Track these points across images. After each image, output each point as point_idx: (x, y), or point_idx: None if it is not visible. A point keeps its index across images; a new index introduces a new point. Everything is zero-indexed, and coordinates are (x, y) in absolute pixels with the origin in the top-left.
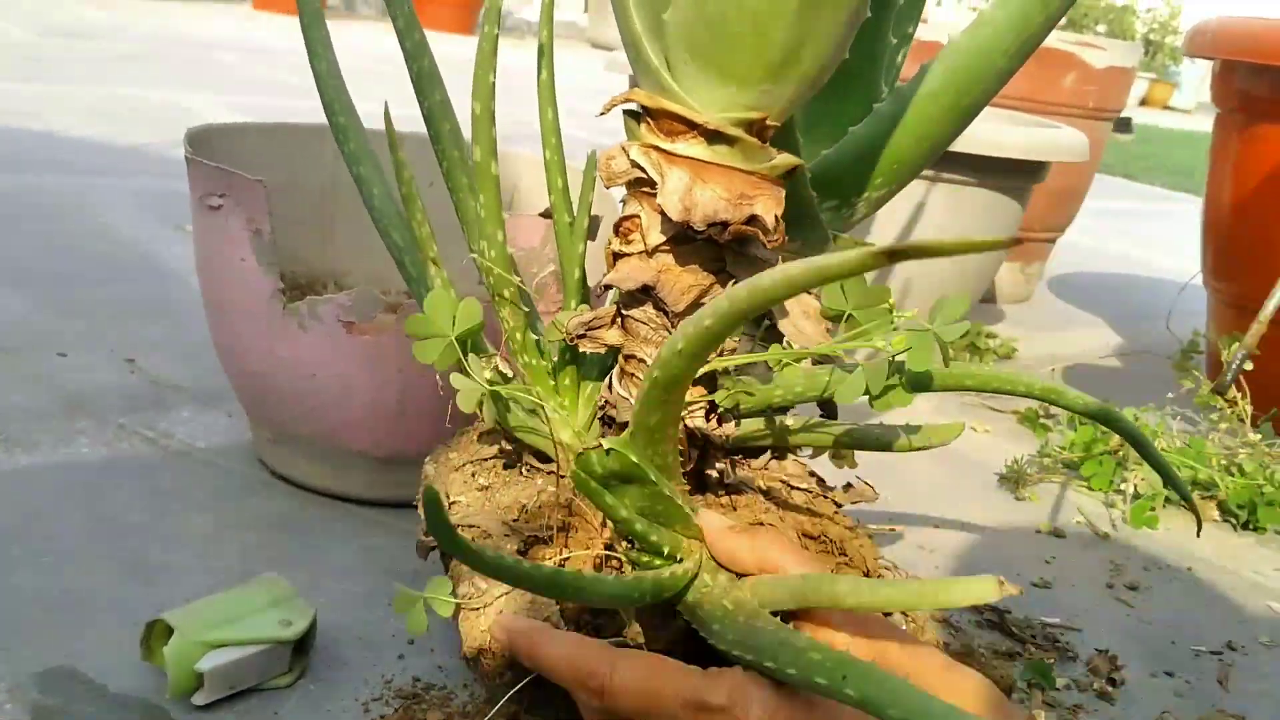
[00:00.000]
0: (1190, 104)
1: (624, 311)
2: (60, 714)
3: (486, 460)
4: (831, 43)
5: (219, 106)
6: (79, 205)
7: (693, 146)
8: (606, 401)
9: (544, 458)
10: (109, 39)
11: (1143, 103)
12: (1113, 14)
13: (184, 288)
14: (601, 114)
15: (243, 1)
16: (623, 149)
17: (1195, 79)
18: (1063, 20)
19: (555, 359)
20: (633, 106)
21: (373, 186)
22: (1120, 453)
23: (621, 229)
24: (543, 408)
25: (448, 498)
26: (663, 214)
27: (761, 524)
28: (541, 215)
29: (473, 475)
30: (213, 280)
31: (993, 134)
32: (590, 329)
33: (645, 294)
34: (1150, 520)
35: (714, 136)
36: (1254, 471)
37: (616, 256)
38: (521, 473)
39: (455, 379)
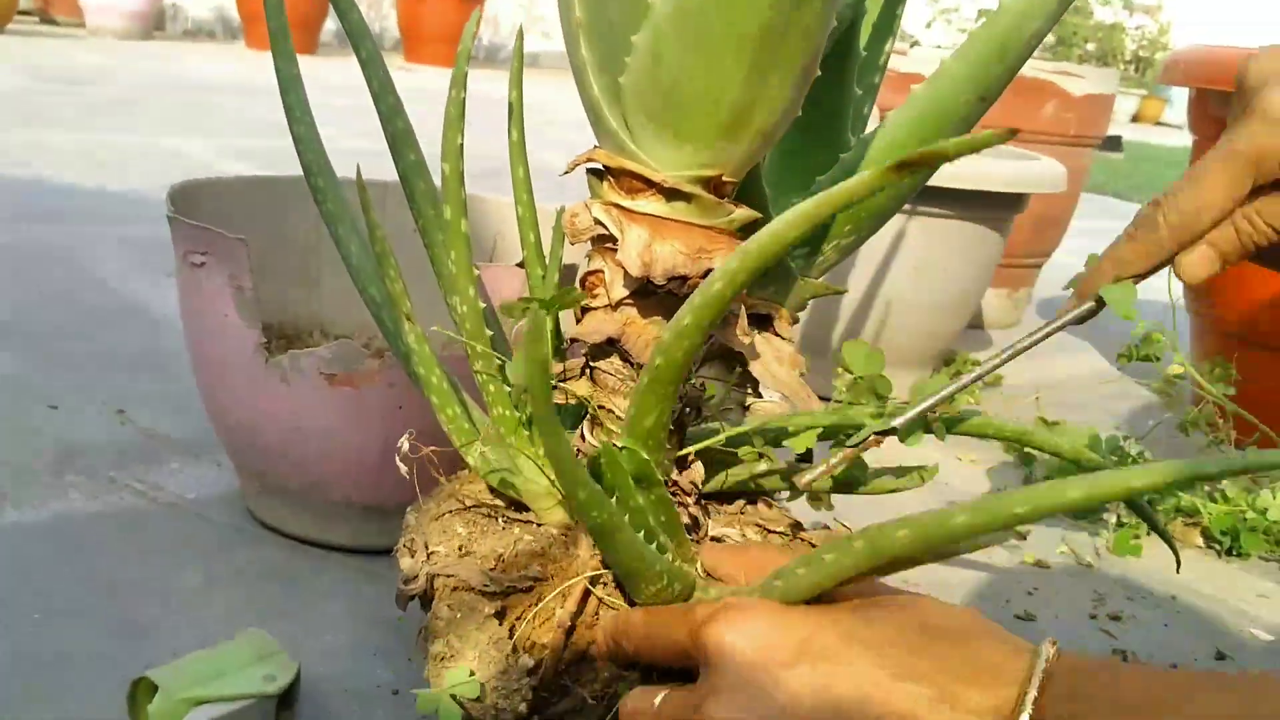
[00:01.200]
0: (1182, 120)
1: (592, 363)
2: None
3: (465, 510)
4: (782, 103)
5: (212, 151)
6: (70, 254)
7: (651, 204)
8: (579, 451)
9: (520, 507)
10: (102, 84)
11: (1134, 119)
12: (1101, 32)
13: (174, 336)
14: (565, 173)
15: (235, 40)
16: (585, 206)
17: (1186, 95)
18: (1051, 39)
19: (529, 410)
20: (596, 165)
21: (350, 244)
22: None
23: (587, 283)
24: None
25: (426, 547)
26: (624, 269)
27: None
28: (519, 266)
29: (451, 525)
30: (197, 335)
31: (969, 167)
32: (560, 381)
33: (611, 346)
34: (1134, 549)
35: (672, 194)
36: (1236, 497)
37: (583, 310)
38: (499, 523)
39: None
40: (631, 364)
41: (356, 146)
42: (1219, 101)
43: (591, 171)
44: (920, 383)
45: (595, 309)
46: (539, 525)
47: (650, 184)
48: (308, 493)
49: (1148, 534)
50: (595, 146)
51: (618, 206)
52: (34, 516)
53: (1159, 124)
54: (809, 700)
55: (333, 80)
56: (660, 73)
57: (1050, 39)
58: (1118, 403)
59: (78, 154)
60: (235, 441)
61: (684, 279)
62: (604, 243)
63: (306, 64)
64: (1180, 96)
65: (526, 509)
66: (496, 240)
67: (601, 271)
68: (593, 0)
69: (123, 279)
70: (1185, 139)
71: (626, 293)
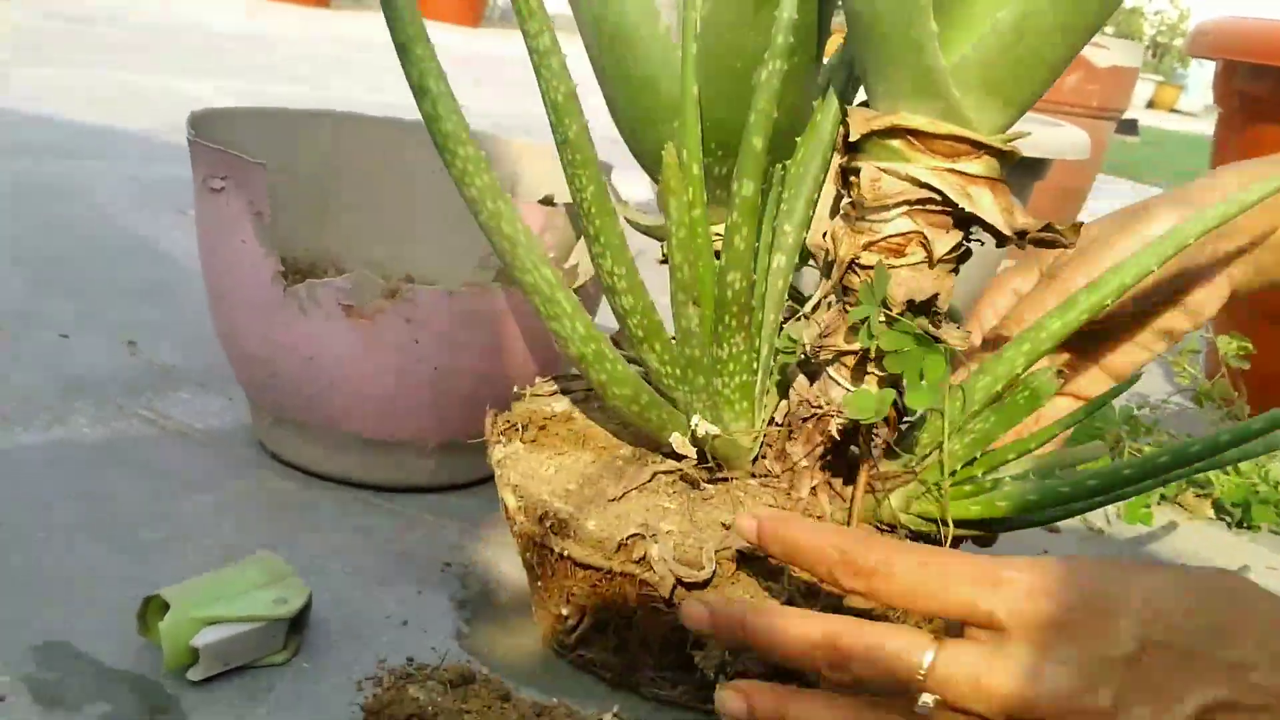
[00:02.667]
0: (1197, 107)
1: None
2: (56, 687)
3: (652, 481)
4: None
5: (220, 93)
6: (80, 190)
7: (979, 165)
8: (807, 403)
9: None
10: (111, 25)
11: (1150, 105)
12: (1121, 16)
13: (184, 272)
14: (855, 139)
15: None
16: (884, 171)
17: (1202, 82)
18: None
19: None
20: (877, 127)
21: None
22: (1117, 448)
23: (891, 244)
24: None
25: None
26: (957, 227)
27: None
28: (541, 202)
29: (654, 496)
30: (214, 263)
31: None
32: (825, 339)
33: (927, 304)
34: (1144, 516)
35: (1000, 155)
36: (1248, 469)
37: (859, 266)
38: (699, 489)
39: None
40: (934, 315)
41: (375, 100)
42: (1248, 74)
43: (868, 137)
44: None
45: (899, 267)
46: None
47: (979, 147)
48: (320, 425)
49: (1159, 502)
50: (875, 113)
51: (952, 171)
52: (41, 439)
53: (1174, 111)
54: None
55: (351, 36)
56: (1020, 46)
57: None
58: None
59: (87, 92)
60: (248, 371)
61: (1024, 233)
62: (921, 205)
63: (319, 17)
64: (1195, 85)
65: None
66: (515, 184)
67: (918, 233)
68: None
69: (133, 215)
70: (1200, 126)
71: (946, 251)
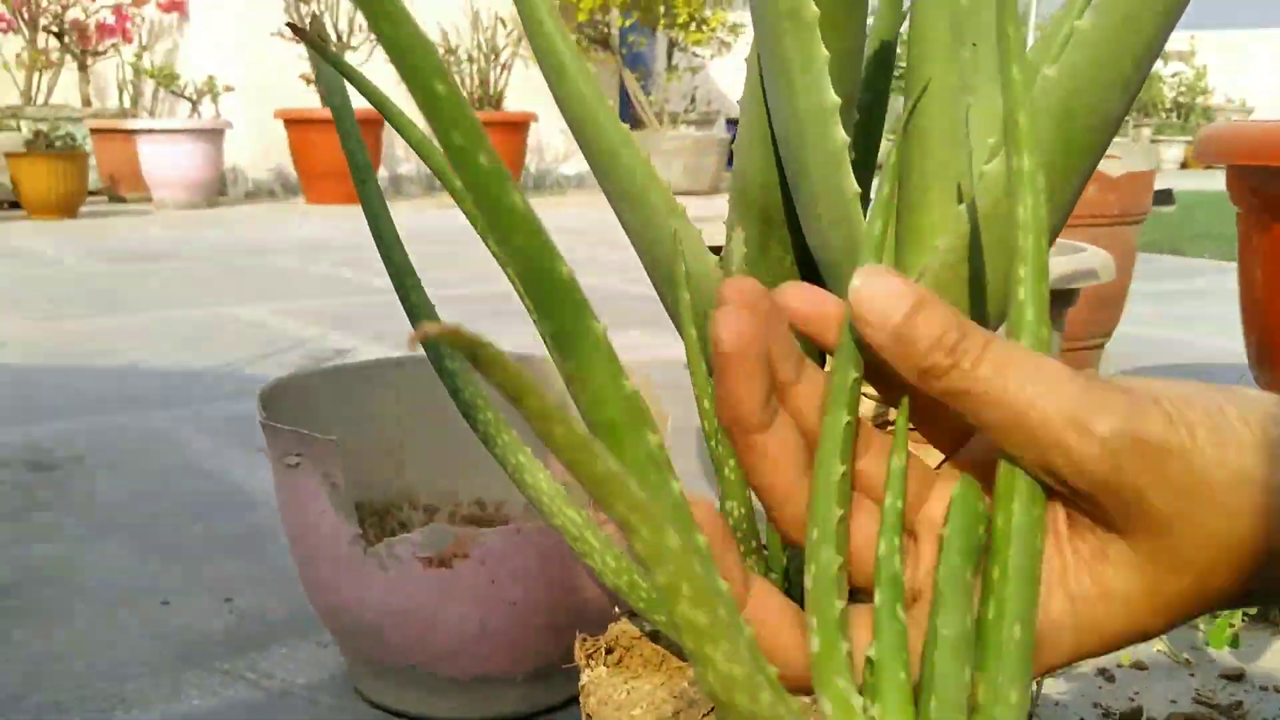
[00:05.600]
0: None
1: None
2: None
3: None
4: None
5: (283, 316)
6: (160, 441)
7: None
8: None
9: None
10: (171, 259)
11: (1183, 166)
12: None
13: (271, 513)
14: None
15: (295, 196)
16: None
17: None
18: None
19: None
20: None
21: (518, 457)
22: None
23: None
24: None
25: None
26: None
27: None
28: None
29: None
30: (295, 529)
31: None
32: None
33: None
34: (1231, 639)
35: None
36: None
37: None
38: None
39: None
40: None
41: (449, 294)
42: (1260, 176)
43: None
44: None
45: None
46: None
47: None
48: (412, 670)
49: (1242, 621)
50: None
51: None
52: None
53: (1209, 168)
54: None
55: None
56: (962, 267)
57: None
58: None
59: (156, 335)
60: (338, 626)
61: None
62: None
63: (350, 215)
64: None
65: None
66: (566, 407)
67: None
68: None
69: (215, 460)
70: None
71: None
